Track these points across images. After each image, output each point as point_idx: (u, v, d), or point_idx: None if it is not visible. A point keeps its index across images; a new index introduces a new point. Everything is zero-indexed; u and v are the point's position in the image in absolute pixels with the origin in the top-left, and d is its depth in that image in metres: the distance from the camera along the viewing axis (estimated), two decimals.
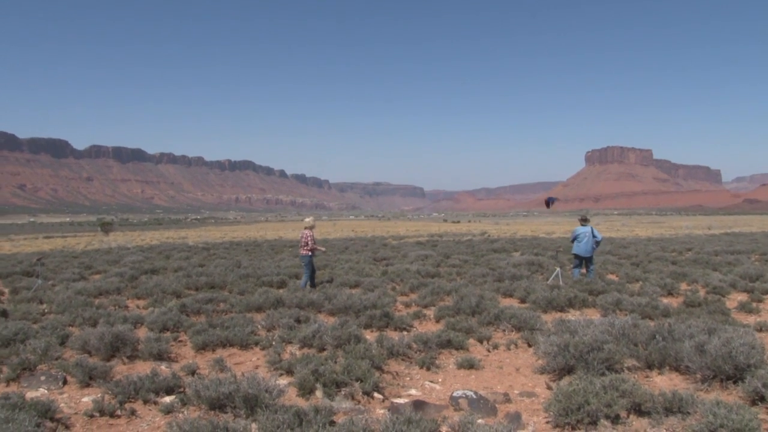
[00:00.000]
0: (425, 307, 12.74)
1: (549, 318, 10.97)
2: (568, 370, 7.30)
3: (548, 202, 18.99)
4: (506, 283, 15.18)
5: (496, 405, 6.49)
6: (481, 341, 9.37)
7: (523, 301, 13.33)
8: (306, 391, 6.83)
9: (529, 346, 9.08)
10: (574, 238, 16.38)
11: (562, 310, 12.11)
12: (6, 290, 16.50)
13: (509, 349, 9.06)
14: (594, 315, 11.33)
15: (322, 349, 8.69)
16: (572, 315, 11.51)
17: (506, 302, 13.05)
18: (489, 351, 9.02)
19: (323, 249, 17.07)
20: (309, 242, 15.19)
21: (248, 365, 8.39)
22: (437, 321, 11.21)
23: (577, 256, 16.45)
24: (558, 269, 15.66)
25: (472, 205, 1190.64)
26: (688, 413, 5.71)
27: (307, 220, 15.84)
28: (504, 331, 10.09)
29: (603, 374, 6.75)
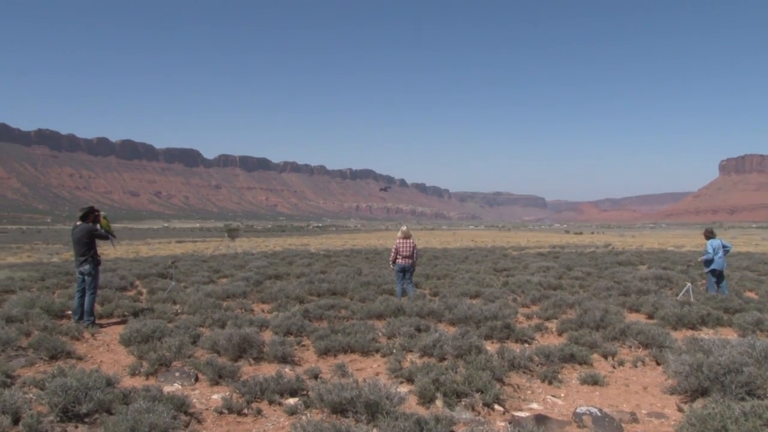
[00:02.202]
0: (547, 319, 12.46)
1: (679, 336, 10.44)
2: (702, 392, 6.91)
3: (384, 189, 18.19)
4: (632, 298, 14.61)
5: (622, 424, 6.24)
6: (605, 357, 9.05)
7: (650, 316, 12.77)
8: (426, 399, 6.84)
9: (658, 364, 8.68)
10: (710, 258, 15.49)
11: (693, 327, 11.50)
12: (144, 290, 17.53)
13: (636, 366, 8.70)
14: (730, 335, 10.69)
15: (442, 359, 8.68)
16: (705, 333, 10.89)
17: (632, 317, 12.53)
18: (614, 367, 8.69)
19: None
20: (414, 252, 15.30)
21: (369, 372, 8.49)
22: (560, 334, 10.93)
23: (713, 272, 15.57)
24: (689, 284, 14.87)
25: (595, 216, 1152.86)
26: None
27: (404, 228, 15.81)
28: (630, 347, 9.69)
29: (743, 399, 6.31)
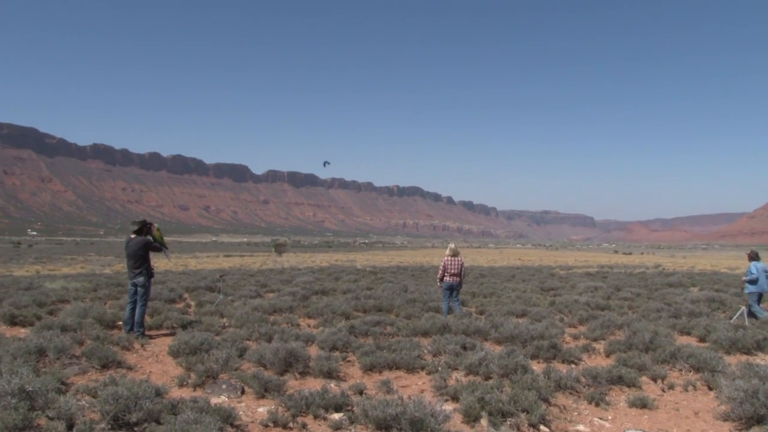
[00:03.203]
0: (595, 340, 12.26)
1: (733, 360, 10.16)
2: (758, 420, 6.71)
3: (325, 164, 17.83)
4: (683, 320, 14.27)
5: None
6: (655, 380, 8.87)
7: (702, 340, 12.46)
8: (471, 418, 6.80)
9: (710, 389, 8.46)
10: (754, 278, 15.09)
11: (748, 352, 11.17)
12: (193, 303, 17.81)
13: (686, 390, 8.50)
14: None
15: (488, 377, 8.62)
16: (761, 359, 10.59)
17: (683, 340, 12.26)
18: (664, 391, 8.51)
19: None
20: (461, 270, 15.26)
21: (414, 389, 8.48)
22: (607, 355, 10.75)
23: (752, 294, 15.15)
24: (743, 308, 14.49)
25: (645, 236, 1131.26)
26: None
27: (453, 246, 15.76)
28: (681, 370, 9.47)
29: None
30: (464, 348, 10.47)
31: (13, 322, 12.99)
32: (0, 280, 23.73)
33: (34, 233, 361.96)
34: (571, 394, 8.10)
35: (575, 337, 12.67)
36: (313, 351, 10.29)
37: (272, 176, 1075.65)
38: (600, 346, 11.55)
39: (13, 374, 6.66)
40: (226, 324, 13.47)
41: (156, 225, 12.31)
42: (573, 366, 9.69)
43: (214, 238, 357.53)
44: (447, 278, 15.14)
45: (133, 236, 11.89)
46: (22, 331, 12.05)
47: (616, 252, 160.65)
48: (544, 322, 13.31)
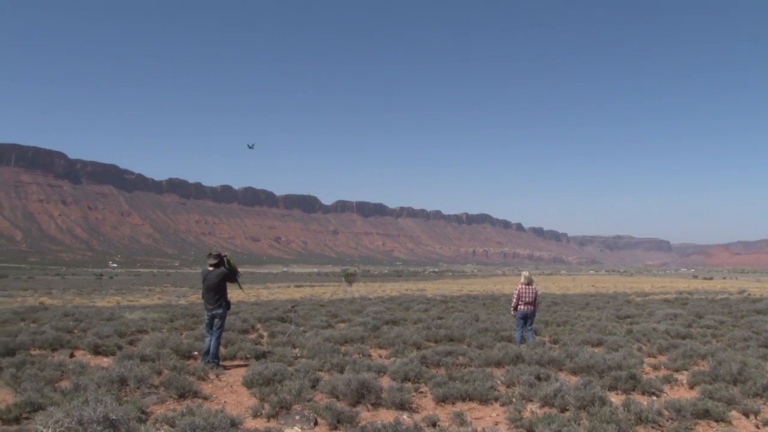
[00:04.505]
0: (676, 370, 11.78)
1: None
2: None
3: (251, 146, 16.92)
4: None
5: None
6: (747, 415, 8.42)
7: None
8: None
9: None
10: None
11: None
12: (265, 334, 18.00)
13: None
14: None
15: (564, 410, 8.37)
16: None
17: None
18: (758, 427, 8.06)
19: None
20: (536, 298, 15.03)
21: (488, 421, 8.30)
22: (691, 387, 10.29)
23: None
24: None
25: (727, 260, 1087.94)
26: None
27: (527, 273, 15.50)
28: None
29: None
30: (539, 378, 10.23)
31: (96, 351, 13.55)
32: (84, 311, 24.56)
33: (115, 265, 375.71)
34: (653, 428, 7.78)
35: (655, 368, 12.21)
36: (385, 382, 10.22)
37: (341, 206, 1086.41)
38: (682, 377, 11.08)
39: (98, 402, 6.89)
40: (299, 354, 13.54)
41: (227, 253, 12.54)
42: (654, 398, 9.32)
43: (284, 269, 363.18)
44: (521, 307, 14.91)
45: (210, 268, 12.14)
46: (104, 361, 12.51)
47: (695, 277, 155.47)
48: (621, 352, 12.89)
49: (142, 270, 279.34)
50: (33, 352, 13.08)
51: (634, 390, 9.76)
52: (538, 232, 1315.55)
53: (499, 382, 10.27)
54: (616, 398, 9.13)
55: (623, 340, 15.32)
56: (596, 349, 13.63)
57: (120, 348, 13.72)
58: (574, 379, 10.05)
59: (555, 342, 15.90)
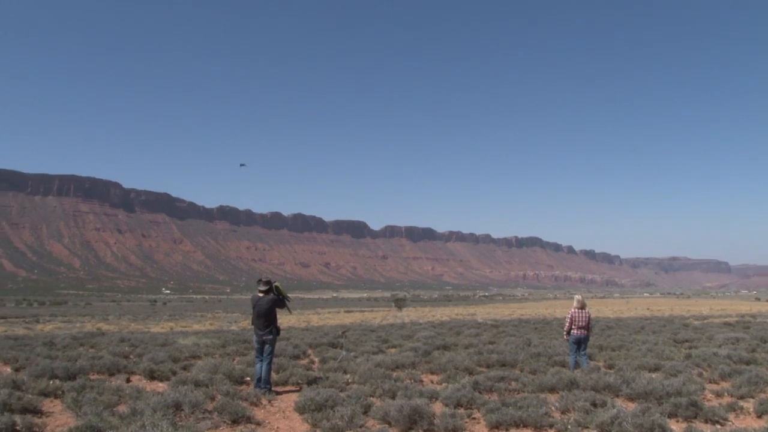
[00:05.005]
0: (741, 398, 11.34)
1: None
2: None
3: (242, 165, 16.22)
4: None
5: None
6: None
7: None
8: None
9: None
10: None
11: None
12: (316, 359, 18.03)
13: None
14: None
15: None
16: None
17: None
18: None
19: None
20: (589, 322, 14.85)
21: None
22: (759, 416, 9.87)
23: None
24: None
25: None
26: None
27: (579, 297, 15.26)
28: None
29: None
30: (594, 405, 9.99)
31: (152, 376, 13.81)
32: (139, 337, 25.03)
33: (168, 291, 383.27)
34: None
35: (718, 394, 11.80)
36: (438, 408, 10.12)
37: (390, 231, 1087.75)
38: (749, 405, 10.65)
39: (155, 427, 6.99)
40: (350, 380, 13.52)
41: (277, 282, 12.64)
42: (718, 427, 9.00)
43: (334, 294, 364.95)
44: (575, 331, 14.69)
45: (261, 294, 12.25)
46: (160, 386, 12.74)
47: (757, 299, 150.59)
48: (680, 377, 12.49)
49: (194, 296, 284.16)
50: (92, 377, 13.37)
51: (695, 418, 9.43)
52: (590, 254, 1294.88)
53: (553, 408, 10.06)
54: (676, 426, 8.85)
55: (682, 366, 14.85)
56: (654, 375, 13.27)
57: (174, 373, 13.91)
58: (631, 406, 9.79)
59: (610, 367, 15.54)
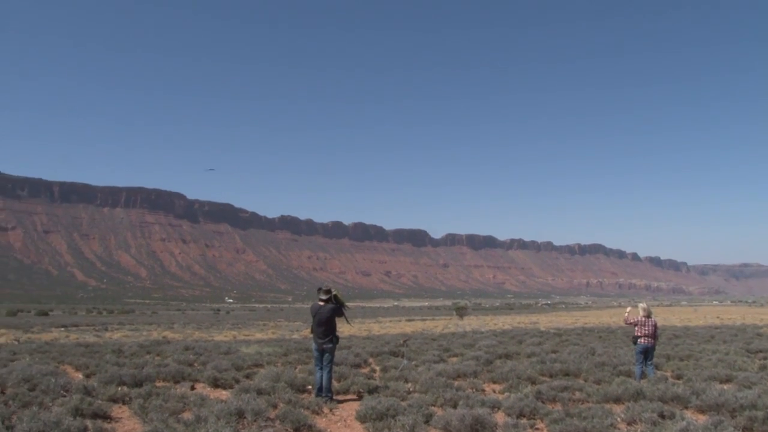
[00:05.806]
0: None
1: None
2: None
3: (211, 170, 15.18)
4: None
5: None
6: None
7: None
8: None
9: None
10: None
11: None
12: (377, 368, 18.06)
13: None
14: None
15: None
16: None
17: None
18: None
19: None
20: (656, 331, 14.55)
21: None
22: None
23: None
24: None
25: None
26: None
27: (644, 305, 14.89)
28: None
29: None
30: (662, 417, 9.72)
31: (215, 384, 14.10)
32: (203, 345, 25.52)
33: (231, 300, 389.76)
34: None
35: None
36: (500, 417, 10.01)
37: (450, 240, 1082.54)
38: None
39: None
40: (411, 389, 13.50)
41: (334, 291, 12.73)
42: None
43: (395, 303, 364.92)
44: (641, 340, 14.36)
45: (321, 303, 12.37)
46: (223, 393, 12.99)
47: None
48: (755, 389, 12.03)
49: (256, 305, 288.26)
50: (158, 384, 13.71)
51: None
52: (655, 261, 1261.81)
53: (619, 419, 9.83)
54: None
55: (756, 377, 14.32)
56: (725, 386, 12.84)
57: (237, 381, 14.16)
58: (702, 418, 9.49)
59: (678, 377, 15.14)
